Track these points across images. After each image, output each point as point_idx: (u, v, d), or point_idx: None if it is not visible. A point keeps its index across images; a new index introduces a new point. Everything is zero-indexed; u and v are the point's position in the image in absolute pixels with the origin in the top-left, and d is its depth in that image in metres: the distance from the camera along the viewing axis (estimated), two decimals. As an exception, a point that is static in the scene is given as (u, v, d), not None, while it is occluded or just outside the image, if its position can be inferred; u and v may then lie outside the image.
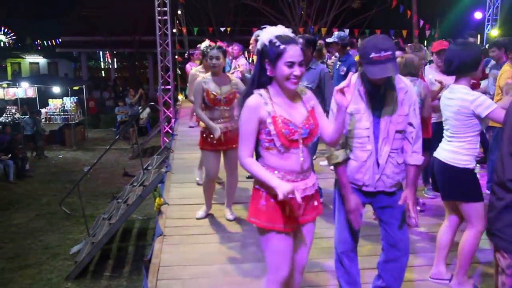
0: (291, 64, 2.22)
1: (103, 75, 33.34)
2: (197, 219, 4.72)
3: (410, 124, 2.66)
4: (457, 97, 3.01)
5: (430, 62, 6.00)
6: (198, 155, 5.70)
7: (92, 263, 7.43)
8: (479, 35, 14.86)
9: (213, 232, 4.46)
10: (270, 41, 2.25)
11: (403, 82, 2.66)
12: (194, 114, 5.93)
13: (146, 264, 3.81)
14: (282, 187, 2.17)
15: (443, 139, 3.22)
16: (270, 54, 2.25)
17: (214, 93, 4.31)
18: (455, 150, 3.06)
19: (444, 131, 3.20)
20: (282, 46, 2.23)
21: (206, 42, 5.50)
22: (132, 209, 6.95)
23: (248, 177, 5.74)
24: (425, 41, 16.99)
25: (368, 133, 2.59)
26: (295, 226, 2.43)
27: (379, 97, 2.59)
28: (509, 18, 15.67)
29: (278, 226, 2.35)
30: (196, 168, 5.98)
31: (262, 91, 2.32)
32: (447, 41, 5.44)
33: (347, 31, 11.84)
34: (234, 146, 4.40)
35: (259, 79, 2.33)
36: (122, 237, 8.68)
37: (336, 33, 6.28)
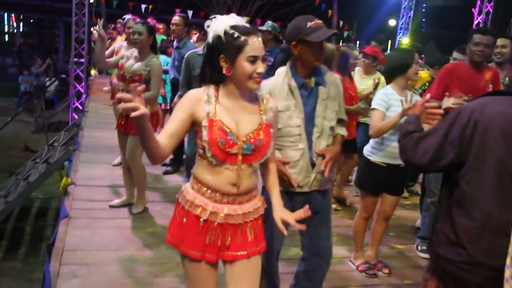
0: (254, 59, 1.86)
1: (7, 39, 30.73)
2: (110, 206, 4.44)
3: (341, 121, 2.66)
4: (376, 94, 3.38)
5: None
6: (110, 134, 5.47)
7: (-17, 243, 6.86)
8: (390, 41, 15.78)
9: (124, 216, 4.29)
10: (227, 32, 1.86)
11: (333, 76, 2.62)
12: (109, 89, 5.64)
13: (49, 248, 3.58)
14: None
15: None
16: (227, 48, 1.86)
17: (124, 70, 4.13)
18: (371, 144, 3.44)
19: None
20: (242, 38, 1.85)
21: (128, 16, 5.29)
22: (33, 187, 6.50)
23: (164, 165, 5.59)
24: (341, 41, 17.66)
25: (300, 131, 2.47)
26: (217, 258, 2.00)
27: (311, 91, 2.49)
28: (419, 28, 16.82)
29: (193, 252, 1.95)
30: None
31: (211, 88, 1.95)
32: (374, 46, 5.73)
33: (269, 22, 11.96)
34: (131, 132, 4.16)
35: (209, 77, 1.95)
36: (19, 216, 8.07)
37: (269, 22, 6.30)
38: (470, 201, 1.74)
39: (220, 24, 1.89)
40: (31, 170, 7.14)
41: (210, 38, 1.91)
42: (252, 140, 1.92)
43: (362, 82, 5.08)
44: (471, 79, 3.64)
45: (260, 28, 6.40)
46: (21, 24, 29.28)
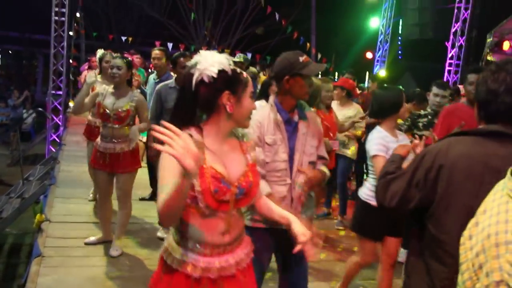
0: (251, 96, 1.82)
1: (-16, 71, 30.43)
2: (86, 244, 4.26)
3: (321, 158, 2.62)
4: (370, 137, 3.20)
5: None
6: (87, 168, 5.36)
7: (-48, 282, 6.57)
8: (368, 72, 16.10)
9: (100, 254, 4.15)
10: (233, 69, 1.77)
11: (311, 112, 2.65)
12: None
13: (19, 289, 3.43)
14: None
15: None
16: (234, 85, 1.75)
17: (105, 107, 3.93)
18: (368, 187, 3.24)
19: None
20: (245, 75, 1.79)
21: (102, 51, 5.25)
22: (6, 223, 6.30)
23: (141, 199, 5.48)
24: (319, 74, 17.95)
25: (286, 166, 2.45)
26: None
27: (295, 126, 2.50)
28: (395, 60, 17.22)
29: None
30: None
31: (193, 132, 1.75)
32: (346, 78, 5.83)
33: (249, 55, 12.14)
34: (121, 171, 4.03)
35: (187, 115, 1.77)
36: (-9, 253, 7.80)
37: (241, 55, 6.39)
38: (438, 244, 1.70)
39: (221, 60, 1.74)
40: (5, 205, 6.94)
41: (204, 76, 1.72)
42: (244, 184, 1.79)
43: (340, 113, 5.13)
44: (471, 118, 3.63)
45: (233, 59, 6.51)
46: (0, 56, 29.07)
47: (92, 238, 4.33)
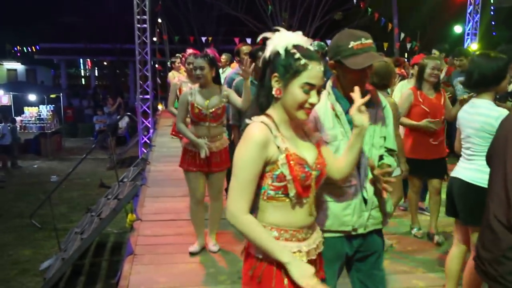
0: (308, 88, 1.66)
1: (83, 82, 32.91)
2: (191, 253, 4.11)
3: (390, 151, 2.24)
4: (480, 112, 2.82)
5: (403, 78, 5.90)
6: (176, 167, 5.48)
7: (63, 280, 7.11)
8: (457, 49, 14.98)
9: (188, 251, 4.23)
10: (287, 50, 1.66)
11: (380, 96, 2.25)
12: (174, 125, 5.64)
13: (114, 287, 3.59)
14: (302, 270, 1.62)
15: (462, 158, 3.01)
16: (283, 68, 1.66)
17: (200, 107, 3.85)
18: (480, 169, 2.77)
19: (463, 150, 2.98)
20: (303, 61, 1.64)
21: (190, 51, 5.20)
22: (104, 224, 6.68)
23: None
24: (406, 54, 17.10)
25: None
26: None
27: None
28: (488, 32, 15.90)
29: None
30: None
31: (264, 118, 1.70)
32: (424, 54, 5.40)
33: (329, 42, 11.83)
34: (217, 169, 4.00)
35: (262, 100, 1.74)
36: (96, 251, 8.37)
37: (316, 42, 6.15)
38: None
39: (282, 39, 1.69)
40: (104, 206, 7.38)
41: (268, 52, 1.70)
42: (319, 166, 1.77)
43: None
44: None
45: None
46: (96, 67, 31.25)
47: (195, 247, 4.16)
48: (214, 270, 3.84)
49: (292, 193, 1.67)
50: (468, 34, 12.33)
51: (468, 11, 12.21)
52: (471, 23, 12.23)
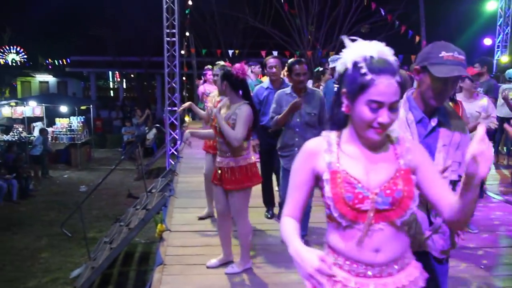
0: (378, 106, 1.50)
1: (112, 94, 33.64)
2: (208, 267, 4.06)
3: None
4: None
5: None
6: (203, 179, 5.54)
7: (92, 288, 7.25)
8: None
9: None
10: (355, 64, 1.53)
11: (461, 120, 2.09)
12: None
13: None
14: (305, 259, 1.40)
15: None
16: (350, 83, 1.55)
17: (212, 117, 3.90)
18: None
19: None
20: (369, 76, 1.49)
21: (221, 63, 5.22)
22: (133, 234, 6.78)
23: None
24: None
25: None
26: None
27: (431, 131, 2.04)
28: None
29: None
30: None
31: (332, 134, 1.66)
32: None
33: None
34: (229, 187, 3.76)
35: (334, 116, 1.66)
36: (124, 261, 8.50)
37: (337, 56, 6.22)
38: None
39: (353, 52, 1.56)
40: (132, 216, 7.51)
41: (339, 67, 1.60)
42: (388, 191, 1.54)
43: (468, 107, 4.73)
44: None
45: (331, 64, 6.34)
46: (124, 79, 31.90)
47: (213, 261, 4.10)
48: (242, 282, 3.87)
49: (335, 213, 1.55)
50: (498, 47, 12.17)
51: (498, 23, 12.05)
52: (501, 36, 12.06)
